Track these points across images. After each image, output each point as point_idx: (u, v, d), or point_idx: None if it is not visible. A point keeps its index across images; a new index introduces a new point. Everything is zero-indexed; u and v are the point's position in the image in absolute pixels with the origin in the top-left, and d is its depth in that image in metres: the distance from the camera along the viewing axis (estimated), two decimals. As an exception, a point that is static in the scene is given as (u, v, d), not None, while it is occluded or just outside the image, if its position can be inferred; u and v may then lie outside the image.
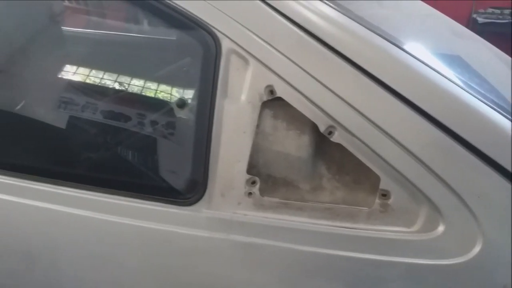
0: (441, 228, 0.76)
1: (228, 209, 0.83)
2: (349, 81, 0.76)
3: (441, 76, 0.79)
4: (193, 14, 0.81)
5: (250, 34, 0.79)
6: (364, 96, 0.76)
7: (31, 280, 0.98)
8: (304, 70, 0.77)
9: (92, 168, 0.94)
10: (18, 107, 1.01)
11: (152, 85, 0.96)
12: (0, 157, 0.98)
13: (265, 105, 0.80)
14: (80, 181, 0.89)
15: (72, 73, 0.99)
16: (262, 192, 0.82)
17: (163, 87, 0.95)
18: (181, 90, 0.91)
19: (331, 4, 0.84)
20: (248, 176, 0.81)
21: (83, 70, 0.98)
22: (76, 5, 1.10)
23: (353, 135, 0.76)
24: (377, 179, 0.77)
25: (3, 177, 0.93)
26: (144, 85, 0.95)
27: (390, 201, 0.77)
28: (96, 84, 0.97)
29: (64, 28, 1.08)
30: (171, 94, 0.91)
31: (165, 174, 0.89)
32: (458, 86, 0.79)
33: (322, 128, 0.77)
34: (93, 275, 0.94)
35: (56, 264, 0.94)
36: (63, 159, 0.97)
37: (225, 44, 0.80)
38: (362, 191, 0.81)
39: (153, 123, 0.90)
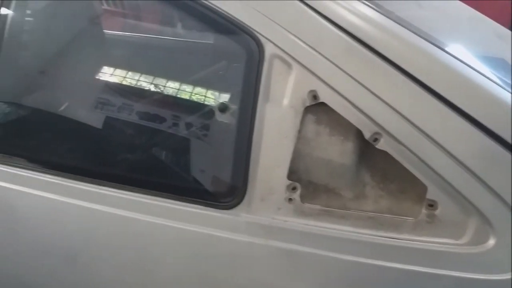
0: (491, 241, 0.72)
1: (268, 214, 0.82)
2: (397, 88, 0.74)
3: (491, 82, 0.75)
4: (237, 19, 0.81)
5: (295, 39, 0.78)
6: (412, 103, 0.74)
7: (71, 278, 1.00)
8: (350, 76, 0.75)
9: (135, 169, 0.95)
10: (62, 108, 1.03)
11: (195, 89, 0.97)
12: (46, 157, 1.00)
13: (307, 110, 0.79)
14: (122, 182, 0.90)
15: (117, 76, 1.00)
16: (303, 198, 0.81)
17: (205, 91, 0.96)
18: (223, 94, 0.90)
19: (375, 8, 0.82)
20: (288, 182, 0.80)
21: (125, 73, 0.99)
22: (116, 8, 1.11)
23: (400, 142, 0.74)
24: (423, 188, 0.75)
25: (49, 176, 0.95)
26: (186, 89, 0.95)
27: (437, 212, 0.75)
28: (141, 87, 0.98)
29: (106, 31, 1.09)
30: (213, 98, 0.91)
31: (205, 177, 0.89)
32: (509, 92, 0.75)
33: (367, 135, 0.76)
34: (132, 275, 0.95)
35: (97, 263, 0.96)
36: (106, 160, 0.98)
37: (269, 49, 0.79)
38: (407, 200, 0.79)
39: (195, 126, 0.90)
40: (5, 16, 0.96)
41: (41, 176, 0.96)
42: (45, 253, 0.99)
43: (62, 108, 1.03)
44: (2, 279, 1.06)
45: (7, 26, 0.96)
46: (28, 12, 1.07)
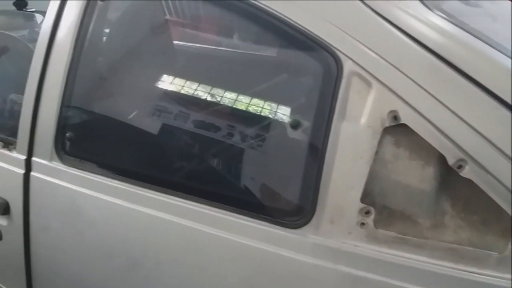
0: None
1: (337, 238, 0.79)
2: (485, 112, 0.70)
3: None
4: (315, 34, 0.79)
5: (376, 56, 0.75)
6: (502, 129, 0.69)
7: (130, 283, 1.01)
8: (434, 97, 0.71)
9: (201, 180, 0.95)
10: (130, 115, 1.05)
11: (267, 104, 0.96)
12: (114, 163, 1.02)
13: (386, 131, 0.75)
14: (188, 192, 0.90)
15: (189, 87, 1.02)
16: (376, 223, 0.77)
17: (277, 106, 0.94)
18: (295, 110, 0.89)
19: (454, 22, 0.77)
20: (362, 205, 0.77)
21: (196, 85, 1.00)
22: (186, 20, 1.12)
23: (487, 171, 0.69)
24: (510, 221, 0.69)
25: (116, 181, 0.97)
26: (258, 103, 0.95)
27: (527, 249, 0.69)
28: (216, 99, 0.98)
29: (178, 42, 1.11)
30: (285, 114, 0.90)
31: (273, 193, 0.87)
32: None
33: (451, 161, 0.71)
34: (191, 285, 0.94)
35: (157, 271, 0.96)
36: (171, 168, 0.99)
37: (348, 66, 0.77)
38: (491, 233, 0.73)
39: (265, 141, 0.89)
40: (87, 25, 0.99)
41: (108, 181, 0.98)
42: (108, 257, 1.01)
43: (131, 116, 1.05)
44: (66, 278, 1.09)
45: (88, 36, 1.00)
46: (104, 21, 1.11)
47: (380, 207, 0.78)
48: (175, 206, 0.90)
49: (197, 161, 0.96)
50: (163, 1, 1.00)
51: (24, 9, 1.85)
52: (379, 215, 0.77)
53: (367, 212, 0.77)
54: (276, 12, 0.82)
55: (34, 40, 1.82)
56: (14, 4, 1.78)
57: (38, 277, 1.13)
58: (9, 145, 1.14)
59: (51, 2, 1.03)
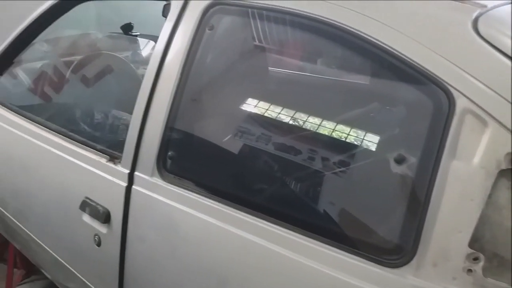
0: None
1: (439, 282, 0.75)
2: None
3: None
4: (425, 68, 0.77)
5: (494, 94, 0.71)
6: None
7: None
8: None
9: (297, 208, 0.95)
10: (229, 139, 1.09)
11: (371, 136, 0.95)
12: (210, 182, 1.06)
13: (502, 174, 0.71)
14: (283, 219, 0.91)
15: (292, 114, 1.04)
16: (485, 271, 0.72)
17: (382, 139, 0.93)
18: (401, 144, 0.86)
19: None
20: (470, 251, 0.72)
21: (304, 114, 1.02)
22: (292, 50, 1.14)
23: None
24: None
25: (212, 201, 1.00)
26: (363, 135, 0.94)
27: None
28: (321, 130, 0.99)
29: (273, 69, 1.14)
30: (389, 147, 0.88)
31: (371, 228, 0.85)
32: None
33: None
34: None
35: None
36: (267, 193, 1.00)
37: (461, 103, 0.74)
38: None
39: (367, 173, 0.87)
40: (195, 52, 1.05)
41: (205, 200, 1.02)
42: (198, 274, 1.04)
43: (230, 138, 1.09)
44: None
45: (195, 61, 1.06)
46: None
47: (490, 254, 0.72)
48: (268, 231, 0.91)
49: (295, 188, 0.97)
50: (265, 30, 1.04)
51: (129, 33, 2.02)
52: (488, 263, 0.72)
53: (476, 259, 0.72)
54: (385, 44, 0.81)
55: (136, 62, 1.98)
56: (121, 27, 1.95)
57: (130, 285, 1.20)
58: (114, 159, 1.23)
59: (163, 28, 1.11)
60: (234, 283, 0.98)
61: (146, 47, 2.01)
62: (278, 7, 0.95)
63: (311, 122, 1.00)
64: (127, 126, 1.18)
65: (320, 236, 0.86)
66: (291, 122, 1.04)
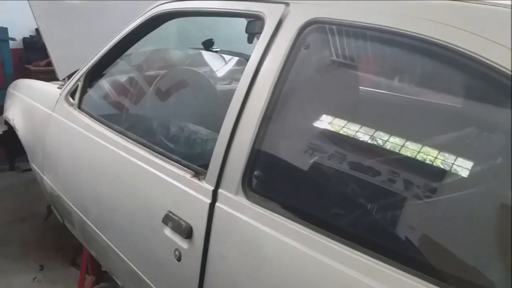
0: None
1: None
2: None
3: None
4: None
5: None
6: None
7: None
8: None
9: (390, 239, 0.89)
10: (318, 162, 1.05)
11: (464, 162, 0.87)
12: (296, 206, 1.02)
13: None
14: (372, 249, 0.85)
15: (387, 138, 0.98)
16: None
17: (481, 167, 0.85)
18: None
19: None
20: None
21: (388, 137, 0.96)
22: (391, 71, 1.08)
23: None
24: None
25: (298, 225, 0.96)
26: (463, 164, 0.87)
27: None
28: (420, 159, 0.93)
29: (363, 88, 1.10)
30: (490, 177, 0.80)
31: (465, 263, 0.77)
32: None
33: None
34: None
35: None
36: (357, 221, 0.95)
37: None
38: None
39: (467, 209, 0.80)
40: (288, 71, 1.03)
41: (291, 223, 0.98)
42: None
43: (319, 162, 1.05)
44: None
45: (287, 81, 1.04)
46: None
47: None
48: (360, 262, 0.85)
49: (388, 218, 0.91)
50: (366, 50, 1.00)
51: (210, 49, 2.06)
52: None
53: None
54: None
55: (214, 77, 2.01)
56: (202, 43, 2.00)
57: (208, 303, 1.18)
58: (199, 174, 1.23)
59: (256, 46, 1.10)
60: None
61: (228, 63, 2.04)
62: (382, 27, 0.91)
63: (410, 148, 0.94)
64: (208, 142, 1.18)
65: (414, 270, 0.79)
66: (389, 146, 0.99)
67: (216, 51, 2.09)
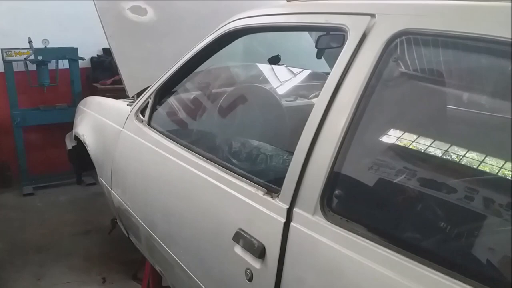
0: None
1: None
2: None
3: None
4: None
5: None
6: None
7: None
8: None
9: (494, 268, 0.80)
10: (403, 180, 0.98)
11: None
12: (383, 229, 0.95)
13: None
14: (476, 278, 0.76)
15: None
16: None
17: None
18: None
19: None
20: None
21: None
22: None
23: None
24: None
25: (385, 249, 0.89)
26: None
27: None
28: None
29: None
30: None
31: None
32: None
33: None
34: None
35: None
36: (453, 245, 0.87)
37: None
38: None
39: None
40: (374, 84, 0.98)
41: (377, 247, 0.91)
42: None
43: (404, 179, 0.98)
44: None
45: (374, 95, 0.98)
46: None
47: None
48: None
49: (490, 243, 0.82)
50: (462, 62, 0.92)
51: (277, 65, 2.05)
52: None
53: None
54: None
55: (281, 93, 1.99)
56: (268, 60, 1.99)
57: (281, 328, 1.12)
58: (272, 192, 1.19)
59: (338, 60, 1.06)
60: None
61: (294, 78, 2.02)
62: (483, 36, 0.84)
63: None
64: (281, 159, 1.14)
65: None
66: (475, 166, 0.90)
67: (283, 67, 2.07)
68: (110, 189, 2.18)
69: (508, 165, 0.86)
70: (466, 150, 0.96)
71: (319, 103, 1.08)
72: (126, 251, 2.95)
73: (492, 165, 0.90)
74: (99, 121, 2.39)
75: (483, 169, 0.91)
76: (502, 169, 0.86)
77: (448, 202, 0.90)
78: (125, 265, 2.86)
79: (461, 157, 0.96)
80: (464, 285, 0.77)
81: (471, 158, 0.95)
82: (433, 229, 0.92)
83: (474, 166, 0.92)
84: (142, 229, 1.85)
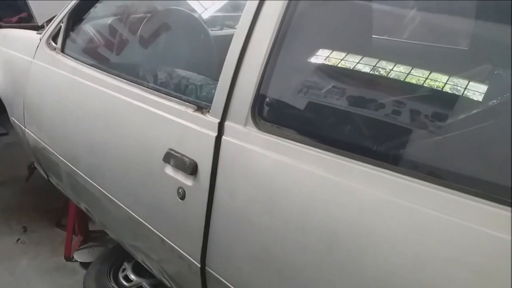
0: None
1: None
2: None
3: None
4: None
5: None
6: None
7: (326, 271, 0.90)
8: None
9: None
10: (332, 82, 0.99)
11: None
12: (313, 130, 0.97)
13: None
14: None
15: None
16: None
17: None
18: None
19: None
20: None
21: None
22: None
23: None
24: None
25: (316, 150, 0.90)
26: None
27: None
28: None
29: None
30: None
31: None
32: None
33: None
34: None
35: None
36: (382, 138, 0.89)
37: None
38: None
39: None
40: None
41: (308, 149, 0.91)
42: (303, 232, 0.90)
43: (333, 82, 0.99)
44: (246, 246, 1.05)
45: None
46: None
47: None
48: (386, 179, 0.80)
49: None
50: None
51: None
52: None
53: None
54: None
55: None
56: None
57: (215, 242, 1.13)
58: (202, 108, 1.16)
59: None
60: (347, 241, 0.85)
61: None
62: None
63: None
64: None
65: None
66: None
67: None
68: (23, 128, 2.00)
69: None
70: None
71: (247, 11, 1.04)
72: (48, 200, 2.79)
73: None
74: (6, 54, 2.14)
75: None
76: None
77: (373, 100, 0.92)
78: (48, 213, 2.71)
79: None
80: (392, 172, 0.80)
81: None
82: (361, 126, 0.94)
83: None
84: (63, 166, 1.74)
